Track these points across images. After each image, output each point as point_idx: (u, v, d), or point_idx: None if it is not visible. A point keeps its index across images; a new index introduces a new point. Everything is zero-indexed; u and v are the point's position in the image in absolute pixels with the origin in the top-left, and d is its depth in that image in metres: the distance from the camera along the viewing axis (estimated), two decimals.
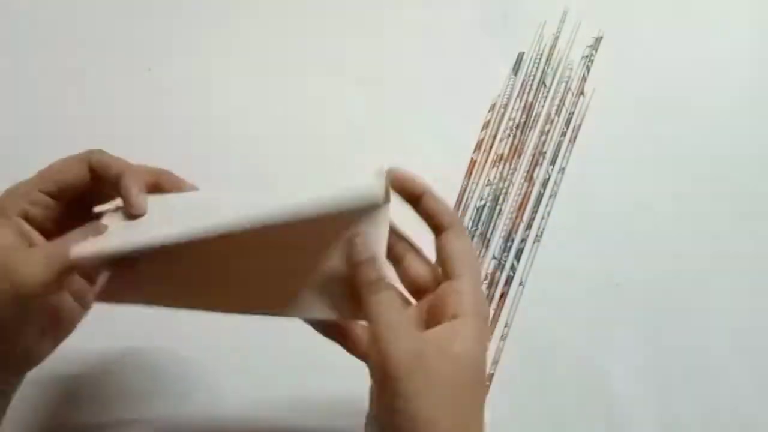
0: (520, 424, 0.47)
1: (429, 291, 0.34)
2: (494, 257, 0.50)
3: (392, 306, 0.30)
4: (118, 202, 0.36)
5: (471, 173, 0.51)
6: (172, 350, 0.48)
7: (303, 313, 0.34)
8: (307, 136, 0.52)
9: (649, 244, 0.50)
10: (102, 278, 0.33)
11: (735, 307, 0.49)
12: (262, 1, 0.55)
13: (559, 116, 0.52)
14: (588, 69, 0.53)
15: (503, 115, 0.52)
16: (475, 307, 0.32)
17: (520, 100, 0.53)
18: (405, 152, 0.52)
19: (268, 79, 0.53)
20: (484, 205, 0.50)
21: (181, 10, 0.54)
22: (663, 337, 0.48)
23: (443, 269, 0.34)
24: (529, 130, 0.52)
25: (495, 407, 0.47)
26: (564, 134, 0.52)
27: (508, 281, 0.49)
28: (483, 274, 0.50)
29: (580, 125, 0.52)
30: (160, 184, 0.38)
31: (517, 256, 0.50)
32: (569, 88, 0.53)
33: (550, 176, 0.51)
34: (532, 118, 0.52)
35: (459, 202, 0.51)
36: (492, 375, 0.47)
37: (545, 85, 0.53)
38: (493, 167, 0.51)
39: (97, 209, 0.37)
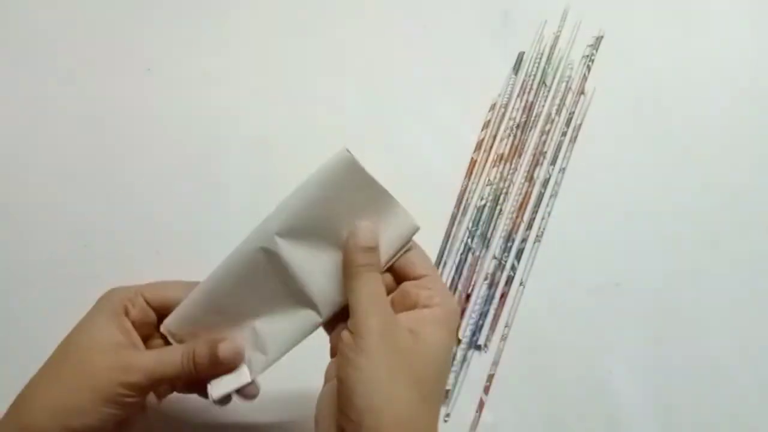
0: (521, 424, 0.47)
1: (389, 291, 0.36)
2: (494, 257, 0.50)
3: (375, 285, 0.33)
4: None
5: (471, 173, 0.51)
6: None
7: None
8: (307, 136, 0.52)
9: (649, 244, 0.50)
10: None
11: (735, 307, 0.49)
12: (262, 1, 0.55)
13: (559, 116, 0.52)
14: (588, 68, 0.53)
15: (503, 114, 0.52)
16: (445, 300, 0.34)
17: (521, 100, 0.52)
18: (405, 152, 0.52)
19: (268, 79, 0.53)
20: (485, 205, 0.50)
21: (181, 10, 0.54)
22: (663, 337, 0.48)
23: (403, 272, 0.36)
24: (530, 130, 0.52)
25: (495, 407, 0.47)
26: (564, 134, 0.52)
27: (508, 281, 0.49)
28: (483, 274, 0.50)
29: (580, 125, 0.52)
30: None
31: (518, 256, 0.50)
32: (570, 88, 0.53)
33: (550, 176, 0.51)
34: (532, 118, 0.52)
35: (459, 202, 0.51)
36: (492, 375, 0.47)
37: (545, 85, 0.53)
38: (493, 167, 0.51)
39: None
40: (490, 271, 0.50)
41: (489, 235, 0.50)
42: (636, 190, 0.51)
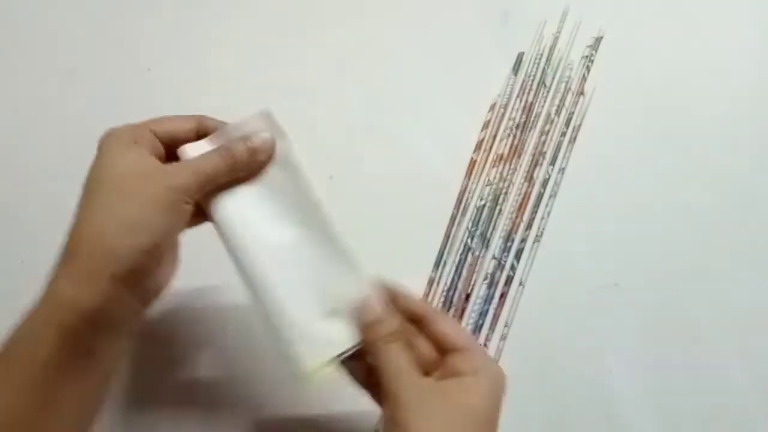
0: (521, 424, 0.47)
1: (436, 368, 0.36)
2: (494, 257, 0.50)
3: (400, 356, 0.34)
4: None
5: (471, 173, 0.51)
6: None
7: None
8: (308, 136, 0.52)
9: (649, 244, 0.50)
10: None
11: (735, 307, 0.49)
12: (262, 1, 0.55)
13: (559, 116, 0.52)
14: (588, 69, 0.53)
15: (503, 115, 0.52)
16: (488, 368, 0.35)
17: (520, 100, 0.53)
18: (405, 152, 0.52)
19: (268, 78, 0.53)
20: (484, 205, 0.50)
21: (180, 10, 0.54)
22: (663, 337, 0.48)
23: (448, 346, 0.36)
24: (529, 130, 0.52)
25: None
26: (564, 134, 0.52)
27: (508, 281, 0.49)
28: (483, 274, 0.50)
29: (580, 125, 0.52)
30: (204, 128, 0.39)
31: (517, 256, 0.50)
32: (569, 88, 0.53)
33: (550, 176, 0.51)
34: (532, 118, 0.52)
35: (459, 202, 0.51)
36: None
37: (545, 85, 0.53)
38: (493, 167, 0.51)
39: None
40: (490, 271, 0.50)
41: (488, 235, 0.50)
42: (636, 191, 0.51)
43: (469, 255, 0.50)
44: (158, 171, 0.35)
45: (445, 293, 0.49)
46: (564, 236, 0.50)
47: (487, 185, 0.51)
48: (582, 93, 0.53)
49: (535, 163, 0.51)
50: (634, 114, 0.53)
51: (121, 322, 0.34)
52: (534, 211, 0.51)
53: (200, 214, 0.37)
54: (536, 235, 0.50)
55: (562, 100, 0.53)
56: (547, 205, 0.51)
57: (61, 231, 0.50)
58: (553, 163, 0.52)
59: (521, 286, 0.49)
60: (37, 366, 0.32)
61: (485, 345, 0.48)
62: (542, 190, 0.51)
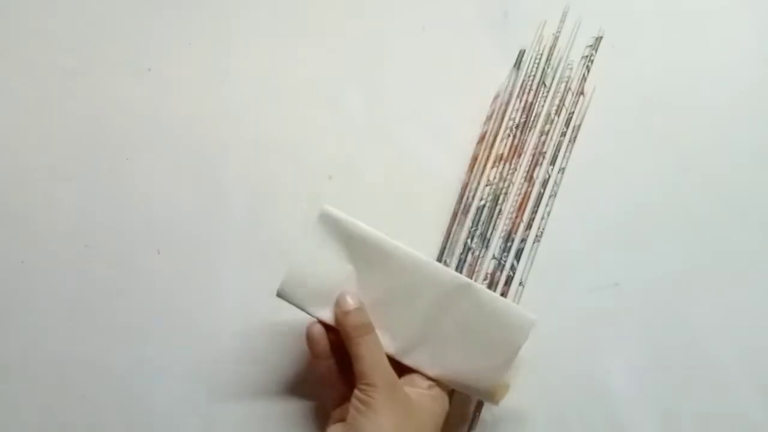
0: (521, 424, 0.47)
1: None
2: (494, 257, 0.50)
3: (376, 346, 0.40)
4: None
5: (471, 173, 0.51)
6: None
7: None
8: (308, 136, 0.52)
9: (649, 244, 0.50)
10: None
11: (735, 307, 0.49)
12: (263, 1, 0.55)
13: (559, 116, 0.52)
14: (588, 69, 0.53)
15: (503, 115, 0.52)
16: (441, 388, 0.43)
17: (520, 100, 0.52)
18: (404, 152, 0.52)
19: (268, 78, 0.53)
20: (484, 206, 0.50)
21: (181, 10, 0.55)
22: (663, 337, 0.48)
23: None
24: (529, 130, 0.52)
25: (495, 408, 0.47)
26: (564, 134, 0.52)
27: (508, 281, 0.49)
28: (483, 274, 0.50)
29: (580, 125, 0.52)
30: None
31: (517, 256, 0.50)
32: (569, 88, 0.53)
33: (550, 176, 0.51)
34: (532, 118, 0.52)
35: (458, 202, 0.51)
36: None
37: (545, 85, 0.53)
38: (493, 167, 0.51)
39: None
40: (490, 271, 0.50)
41: (488, 235, 0.50)
42: (636, 190, 0.51)
43: (469, 255, 0.50)
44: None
45: None
46: (564, 236, 0.50)
47: (486, 185, 0.51)
48: (582, 93, 0.53)
49: (535, 163, 0.51)
50: (634, 114, 0.53)
51: None
52: (534, 211, 0.51)
53: None
54: (536, 235, 0.50)
55: (562, 100, 0.53)
56: (547, 205, 0.51)
57: (61, 231, 0.51)
58: (553, 162, 0.52)
59: (521, 286, 0.49)
60: None
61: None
62: (542, 190, 0.51)
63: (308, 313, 0.42)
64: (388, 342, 0.42)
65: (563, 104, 0.52)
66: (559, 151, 0.52)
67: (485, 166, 0.51)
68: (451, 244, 0.50)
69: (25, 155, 0.51)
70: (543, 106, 0.53)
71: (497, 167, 0.51)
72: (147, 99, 0.52)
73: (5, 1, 0.54)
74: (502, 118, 0.52)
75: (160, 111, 0.52)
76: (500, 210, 0.51)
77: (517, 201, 0.51)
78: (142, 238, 0.50)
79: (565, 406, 0.47)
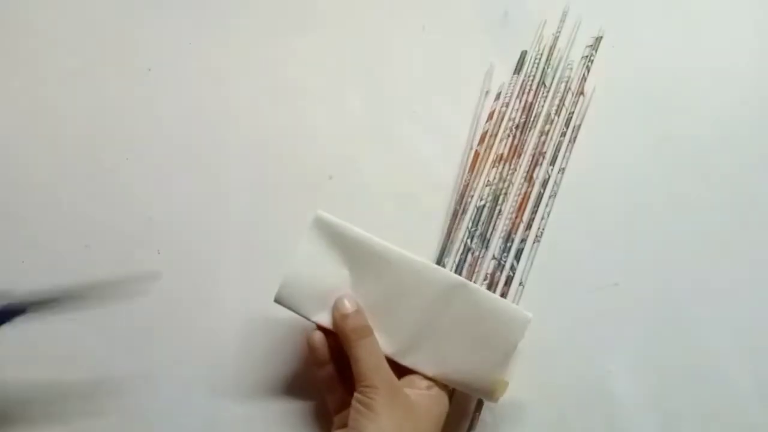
0: (520, 424, 0.47)
1: None
2: (494, 257, 0.50)
3: (374, 348, 0.40)
4: None
5: (470, 173, 0.51)
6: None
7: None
8: (308, 136, 0.52)
9: (649, 244, 0.50)
10: None
11: (735, 307, 0.49)
12: (262, 0, 0.55)
13: (559, 116, 0.52)
14: (588, 69, 0.53)
15: (503, 115, 0.52)
16: (441, 389, 0.43)
17: (520, 100, 0.52)
18: (404, 152, 0.52)
19: (268, 78, 0.53)
20: (484, 206, 0.50)
21: (181, 10, 0.55)
22: (663, 337, 0.48)
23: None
24: (529, 130, 0.52)
25: (494, 406, 0.47)
26: (564, 134, 0.52)
27: (508, 281, 0.49)
28: (483, 274, 0.50)
29: (580, 125, 0.52)
30: None
31: (517, 256, 0.50)
32: (569, 88, 0.53)
33: (550, 176, 0.51)
34: (532, 118, 0.52)
35: (458, 202, 0.51)
36: None
37: (545, 85, 0.53)
38: (492, 168, 0.51)
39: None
40: (490, 271, 0.50)
41: (488, 236, 0.50)
42: (635, 190, 0.51)
43: (469, 255, 0.50)
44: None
45: None
46: (564, 236, 0.50)
47: (486, 185, 0.51)
48: (582, 93, 0.53)
49: (535, 163, 0.51)
50: (634, 114, 0.53)
51: None
52: (534, 211, 0.51)
53: None
54: (536, 235, 0.50)
55: (562, 100, 0.53)
56: (547, 205, 0.51)
57: (61, 231, 0.51)
58: (553, 163, 0.52)
59: (521, 286, 0.49)
60: None
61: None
62: (542, 190, 0.51)
63: (306, 318, 0.42)
64: (386, 343, 0.42)
65: (563, 104, 0.52)
66: (559, 152, 0.52)
67: (485, 166, 0.51)
68: (450, 244, 0.50)
69: (25, 155, 0.51)
70: (543, 106, 0.53)
71: (497, 167, 0.51)
72: (147, 99, 0.52)
73: (5, 1, 0.54)
74: (502, 119, 0.52)
75: (160, 111, 0.52)
76: (500, 210, 0.51)
77: (517, 201, 0.51)
78: (141, 238, 0.50)
79: (565, 406, 0.47)
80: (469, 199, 0.51)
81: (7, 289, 0.41)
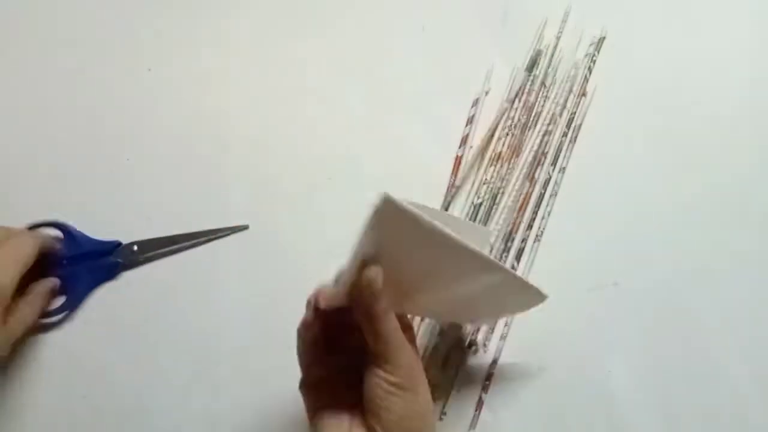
0: (520, 423, 0.47)
1: None
2: (494, 257, 0.50)
3: (398, 326, 0.38)
4: None
5: (470, 172, 0.51)
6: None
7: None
8: (308, 135, 0.52)
9: (649, 243, 0.50)
10: None
11: (735, 307, 0.49)
12: (262, 0, 0.55)
13: (560, 116, 0.52)
14: (590, 69, 0.53)
15: (503, 114, 0.52)
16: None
17: (520, 100, 0.52)
18: (404, 152, 0.52)
19: (268, 78, 0.53)
20: (482, 204, 0.50)
21: (181, 10, 0.55)
22: (663, 337, 0.48)
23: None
24: (529, 130, 0.52)
25: (494, 406, 0.47)
26: (565, 134, 0.52)
27: None
28: None
29: (581, 125, 0.52)
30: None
31: (517, 256, 0.50)
32: (571, 89, 0.53)
33: (550, 176, 0.51)
34: (532, 118, 0.52)
35: (458, 201, 0.51)
36: (491, 374, 0.47)
37: (546, 85, 0.53)
38: (491, 167, 0.51)
39: None
40: None
41: None
42: (636, 190, 0.51)
43: None
44: None
45: None
46: (564, 236, 0.50)
47: (485, 184, 0.51)
48: (583, 93, 0.53)
49: (536, 163, 0.51)
50: (635, 114, 0.53)
51: None
52: (534, 211, 0.51)
53: None
54: (536, 235, 0.50)
55: (564, 100, 0.52)
56: (547, 205, 0.51)
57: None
58: (553, 163, 0.52)
59: None
60: None
61: (485, 345, 0.48)
62: (543, 190, 0.51)
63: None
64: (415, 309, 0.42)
65: (565, 104, 0.52)
66: (560, 151, 0.52)
67: (484, 165, 0.51)
68: None
69: (25, 155, 0.51)
70: (543, 106, 0.53)
71: (496, 166, 0.51)
72: (147, 99, 0.52)
73: (5, 1, 0.54)
74: (502, 118, 0.52)
75: (160, 111, 0.52)
76: (498, 209, 0.51)
77: (517, 201, 0.51)
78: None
79: (565, 406, 0.47)
80: (469, 198, 0.51)
81: None
